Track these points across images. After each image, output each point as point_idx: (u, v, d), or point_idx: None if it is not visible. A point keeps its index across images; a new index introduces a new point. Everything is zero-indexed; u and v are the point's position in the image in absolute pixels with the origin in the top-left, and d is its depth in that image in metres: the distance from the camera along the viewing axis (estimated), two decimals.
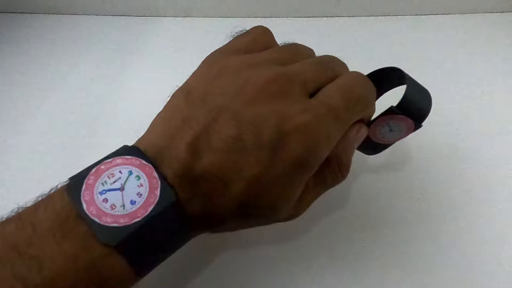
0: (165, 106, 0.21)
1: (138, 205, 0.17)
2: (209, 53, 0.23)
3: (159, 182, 0.17)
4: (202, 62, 0.23)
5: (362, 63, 0.40)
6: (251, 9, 0.44)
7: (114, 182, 0.17)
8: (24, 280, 0.15)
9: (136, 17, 0.45)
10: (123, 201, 0.17)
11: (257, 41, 0.23)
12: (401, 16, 0.45)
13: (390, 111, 0.21)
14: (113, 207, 0.16)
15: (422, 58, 0.40)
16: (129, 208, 0.17)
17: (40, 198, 0.18)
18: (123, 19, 0.45)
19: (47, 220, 0.16)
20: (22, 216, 0.17)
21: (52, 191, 0.18)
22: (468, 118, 0.34)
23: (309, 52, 0.24)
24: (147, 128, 0.20)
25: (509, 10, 0.44)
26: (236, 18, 0.44)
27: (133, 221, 0.16)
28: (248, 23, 0.46)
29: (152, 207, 0.17)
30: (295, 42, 0.24)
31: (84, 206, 0.16)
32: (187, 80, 0.22)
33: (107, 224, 0.16)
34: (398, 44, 0.41)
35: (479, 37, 0.42)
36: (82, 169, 0.18)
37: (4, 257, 0.16)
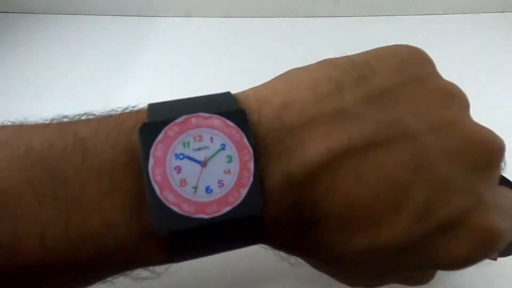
0: (316, 69, 0.15)
1: (213, 198, 0.12)
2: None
3: (251, 180, 0.12)
4: (396, 47, 0.16)
5: None
6: (251, 9, 0.44)
7: (199, 149, 0.12)
8: (45, 228, 0.12)
9: (136, 17, 0.45)
10: (198, 181, 0.12)
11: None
12: (401, 16, 0.45)
13: None
14: (183, 184, 0.12)
15: None
16: (201, 195, 0.12)
17: (112, 113, 0.14)
18: (123, 19, 0.45)
19: (102, 155, 0.12)
20: (79, 132, 0.13)
21: (127, 111, 0.14)
22: None
23: None
24: (273, 80, 0.15)
25: (509, 10, 0.44)
26: (236, 18, 0.44)
27: (197, 216, 0.12)
28: (248, 23, 0.47)
29: (227, 209, 0.12)
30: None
31: (151, 164, 0.12)
32: (365, 55, 0.15)
33: (166, 203, 0.12)
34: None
35: (479, 37, 0.42)
36: None
37: (40, 188, 0.12)
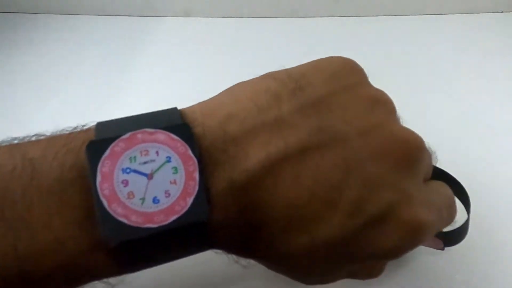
0: (257, 82, 0.16)
1: (160, 208, 0.13)
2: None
3: (196, 189, 0.13)
4: (330, 59, 0.17)
5: (361, 63, 0.41)
6: (251, 9, 0.44)
7: (145, 163, 0.13)
8: None
9: (136, 17, 0.45)
10: (145, 193, 0.13)
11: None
12: (401, 16, 0.45)
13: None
14: (130, 196, 0.13)
15: (422, 58, 0.40)
16: (149, 206, 0.13)
17: (59, 133, 0.15)
18: (123, 19, 0.45)
19: (50, 174, 0.13)
20: (28, 152, 0.13)
21: (77, 129, 0.15)
22: (468, 117, 0.34)
23: None
24: (219, 94, 0.16)
25: (509, 10, 0.44)
26: (236, 18, 0.44)
27: (145, 226, 0.13)
28: (248, 23, 0.47)
29: (174, 217, 0.13)
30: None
31: (99, 179, 0.13)
32: (302, 68, 0.17)
33: (115, 215, 0.12)
34: (398, 44, 0.41)
35: (479, 37, 0.42)
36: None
37: None
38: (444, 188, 0.19)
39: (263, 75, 0.17)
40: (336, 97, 0.16)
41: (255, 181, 0.14)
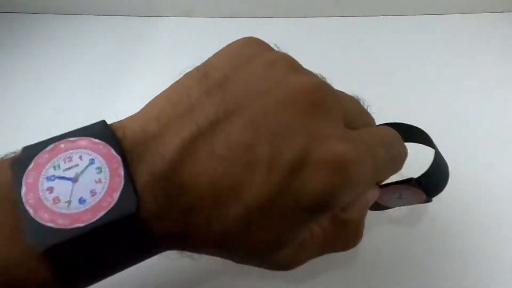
0: (173, 84, 0.17)
1: (87, 207, 0.13)
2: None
3: (122, 183, 0.14)
4: (234, 42, 0.19)
5: (361, 63, 0.41)
6: (251, 9, 0.44)
7: (69, 168, 0.14)
8: None
9: (136, 17, 0.45)
10: (70, 196, 0.13)
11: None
12: (401, 16, 0.45)
13: (407, 181, 0.19)
14: (56, 201, 0.13)
15: (422, 58, 0.40)
16: (75, 207, 0.13)
17: None
18: (123, 19, 0.45)
19: None
20: None
21: (6, 157, 0.15)
22: (468, 117, 0.34)
23: None
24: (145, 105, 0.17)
25: (509, 10, 0.44)
26: (236, 18, 0.44)
27: (73, 226, 0.13)
28: (248, 23, 0.47)
29: (102, 213, 0.13)
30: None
31: (24, 190, 0.13)
32: (208, 59, 0.18)
33: (41, 221, 0.13)
34: (398, 44, 0.41)
35: (479, 37, 0.42)
36: None
37: None
38: (380, 128, 0.19)
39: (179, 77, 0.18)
40: (238, 71, 0.16)
41: (176, 166, 0.14)
